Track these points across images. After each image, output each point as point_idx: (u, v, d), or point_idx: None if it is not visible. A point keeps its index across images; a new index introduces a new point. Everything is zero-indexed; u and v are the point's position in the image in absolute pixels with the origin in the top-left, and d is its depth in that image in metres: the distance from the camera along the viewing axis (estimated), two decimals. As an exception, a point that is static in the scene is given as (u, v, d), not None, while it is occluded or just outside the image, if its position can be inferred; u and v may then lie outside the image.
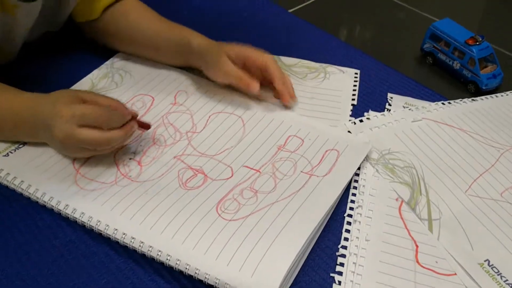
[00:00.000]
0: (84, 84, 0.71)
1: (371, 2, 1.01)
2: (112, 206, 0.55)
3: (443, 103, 0.74)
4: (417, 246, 0.55)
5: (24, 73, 0.73)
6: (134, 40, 0.74)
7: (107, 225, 0.53)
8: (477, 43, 0.79)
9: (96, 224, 0.53)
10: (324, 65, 0.79)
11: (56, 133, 0.56)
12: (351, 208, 0.59)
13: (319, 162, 0.62)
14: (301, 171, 0.60)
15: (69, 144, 0.57)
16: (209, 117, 0.68)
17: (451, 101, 0.74)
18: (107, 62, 0.76)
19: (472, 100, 0.76)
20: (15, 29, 0.67)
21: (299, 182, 0.59)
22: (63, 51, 0.77)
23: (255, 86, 0.68)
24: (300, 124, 0.68)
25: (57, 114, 0.56)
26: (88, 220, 0.53)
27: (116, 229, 0.52)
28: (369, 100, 0.74)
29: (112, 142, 0.58)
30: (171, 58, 0.74)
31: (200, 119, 0.68)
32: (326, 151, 0.63)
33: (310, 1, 1.00)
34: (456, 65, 0.81)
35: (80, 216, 0.54)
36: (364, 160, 0.63)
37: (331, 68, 0.79)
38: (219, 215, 0.55)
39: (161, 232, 0.52)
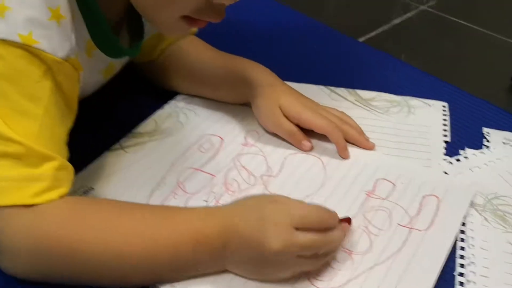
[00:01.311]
0: (148, 125, 0.66)
1: (448, 31, 0.93)
2: None
3: (550, 137, 0.65)
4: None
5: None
6: (193, 77, 0.69)
7: None
8: None
9: None
10: (406, 97, 0.72)
11: (271, 243, 0.44)
12: (462, 265, 0.50)
13: (418, 212, 0.53)
14: (399, 224, 0.52)
15: (288, 254, 0.45)
16: (285, 158, 0.61)
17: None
18: (171, 101, 0.70)
19: None
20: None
21: (398, 238, 0.50)
22: (121, 92, 0.72)
23: (307, 145, 0.62)
24: (388, 165, 0.60)
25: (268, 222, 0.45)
26: None
27: None
28: (463, 136, 0.66)
29: (334, 243, 0.48)
30: (227, 93, 0.68)
31: (276, 161, 0.61)
32: (424, 197, 0.55)
33: (383, 29, 0.93)
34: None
35: None
36: (468, 205, 0.55)
37: (415, 101, 0.71)
38: (312, 283, 0.47)
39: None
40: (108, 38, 0.56)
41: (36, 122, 0.45)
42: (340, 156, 0.61)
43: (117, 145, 0.63)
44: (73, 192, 0.49)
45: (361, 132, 0.64)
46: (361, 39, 0.89)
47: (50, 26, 0.45)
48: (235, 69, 0.67)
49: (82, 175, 0.58)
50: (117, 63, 0.63)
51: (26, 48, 0.44)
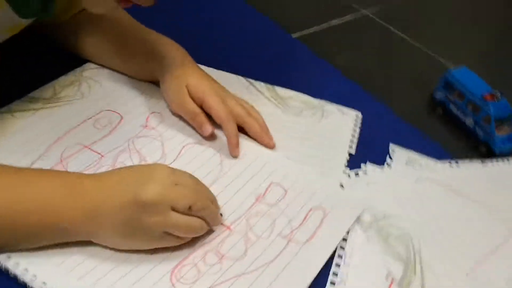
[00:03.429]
0: (45, 90, 0.62)
1: (384, 39, 0.92)
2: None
3: (450, 163, 0.65)
4: None
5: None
6: (103, 44, 0.65)
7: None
8: (496, 100, 0.70)
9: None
10: (322, 102, 0.70)
11: (147, 191, 0.43)
12: (332, 283, 0.49)
13: (301, 223, 0.52)
14: (278, 234, 0.51)
15: (161, 206, 0.44)
16: (183, 147, 0.59)
17: (459, 161, 0.65)
18: (77, 69, 0.66)
19: (483, 162, 0.67)
20: None
21: (274, 248, 0.49)
22: (28, 52, 0.67)
23: (207, 129, 0.59)
24: (285, 169, 0.58)
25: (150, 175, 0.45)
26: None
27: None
28: (368, 150, 0.65)
29: (208, 208, 0.48)
30: (137, 67, 0.66)
31: (172, 149, 0.58)
32: (311, 209, 0.54)
33: (320, 28, 0.91)
34: (469, 120, 0.72)
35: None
36: (354, 221, 0.54)
37: (330, 107, 0.70)
38: (173, 284, 0.45)
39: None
40: None
41: None
42: (229, 152, 0.59)
43: (5, 108, 0.59)
44: None
45: (265, 129, 0.62)
46: (295, 35, 0.87)
47: None
48: (147, 43, 0.63)
49: (-43, 135, 0.54)
50: (25, 22, 0.58)
51: None
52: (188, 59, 0.63)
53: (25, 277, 0.43)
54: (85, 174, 0.48)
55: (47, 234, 0.44)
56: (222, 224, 0.51)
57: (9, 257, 0.44)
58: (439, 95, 0.74)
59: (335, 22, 0.93)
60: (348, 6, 0.98)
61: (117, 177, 0.47)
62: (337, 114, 0.69)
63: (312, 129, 0.66)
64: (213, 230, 0.49)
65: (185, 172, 0.49)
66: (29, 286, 0.43)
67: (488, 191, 0.62)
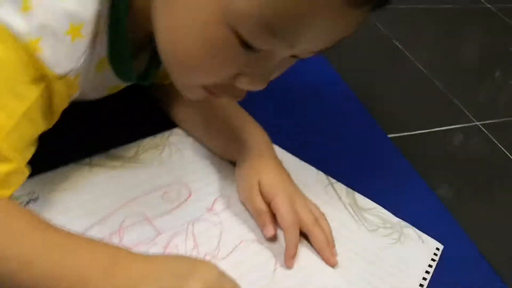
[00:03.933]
0: (128, 149, 0.63)
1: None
2: None
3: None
4: None
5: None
6: (194, 116, 0.66)
7: None
8: None
9: None
10: (403, 223, 0.64)
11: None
12: None
13: None
14: None
15: None
16: (240, 242, 0.57)
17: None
18: (165, 133, 0.67)
19: None
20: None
21: None
22: (123, 105, 0.69)
23: (268, 231, 0.57)
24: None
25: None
26: None
27: None
28: (440, 291, 0.58)
29: None
30: (218, 145, 0.65)
31: (229, 242, 0.56)
32: None
33: (404, 133, 0.86)
34: None
35: None
36: None
37: (410, 231, 0.64)
38: None
39: None
40: (124, 64, 0.53)
41: (12, 120, 0.43)
42: (284, 261, 0.55)
43: (86, 160, 0.61)
44: (17, 196, 0.47)
45: (330, 242, 0.58)
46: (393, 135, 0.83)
47: (62, 40, 0.43)
48: (232, 125, 0.63)
49: (36, 180, 0.56)
50: (126, 83, 0.61)
51: (27, 51, 0.42)
52: (267, 149, 0.61)
53: None
54: (133, 253, 0.47)
55: None
56: None
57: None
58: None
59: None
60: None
61: (164, 265, 0.45)
62: (416, 241, 0.63)
63: (383, 252, 0.60)
64: None
65: (234, 281, 0.46)
66: None
67: None
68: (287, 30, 0.39)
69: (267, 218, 0.57)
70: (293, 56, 0.44)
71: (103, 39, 0.48)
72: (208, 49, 0.42)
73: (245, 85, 0.45)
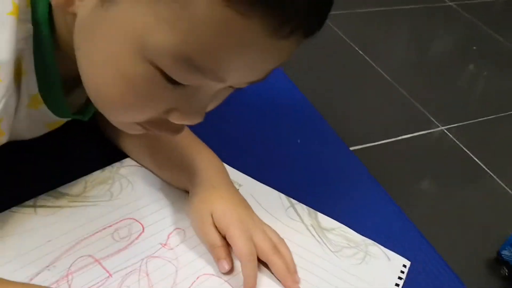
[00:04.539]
0: (75, 186, 0.60)
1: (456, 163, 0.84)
2: None
3: None
4: None
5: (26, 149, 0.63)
6: (142, 146, 0.63)
7: None
8: None
9: None
10: (368, 241, 0.63)
11: None
12: None
13: None
14: None
15: None
16: (198, 278, 0.54)
17: None
18: (115, 164, 0.64)
19: None
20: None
21: None
22: (74, 138, 0.66)
23: (223, 267, 0.54)
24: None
25: None
26: None
27: None
28: (408, 313, 0.57)
29: None
30: (170, 174, 0.63)
31: (185, 278, 0.54)
32: None
33: (383, 141, 0.84)
34: (541, 292, 0.61)
35: None
36: None
37: (375, 249, 0.62)
38: None
39: None
40: (57, 100, 0.50)
41: None
42: None
43: (30, 202, 0.57)
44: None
45: (291, 269, 0.56)
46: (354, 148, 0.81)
47: None
48: (182, 153, 0.60)
49: (-26, 227, 0.53)
50: (65, 119, 0.58)
51: None
52: (220, 178, 0.59)
53: None
54: None
55: None
56: None
57: None
58: (506, 254, 0.64)
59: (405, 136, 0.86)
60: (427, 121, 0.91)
61: None
62: (382, 259, 0.61)
63: (349, 274, 0.58)
64: None
65: None
66: None
67: None
68: (212, 65, 0.36)
69: (222, 252, 0.54)
70: (230, 87, 0.42)
71: (31, 77, 0.46)
72: (129, 86, 0.39)
73: (179, 120, 0.42)
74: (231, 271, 0.55)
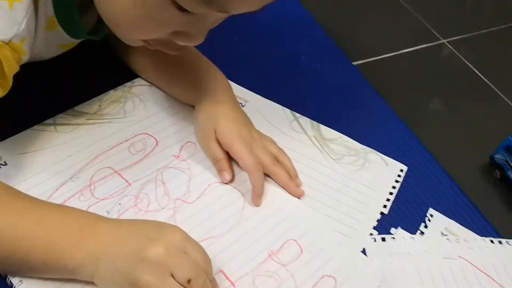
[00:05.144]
0: (90, 105, 0.64)
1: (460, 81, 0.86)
2: None
3: (492, 241, 0.60)
4: None
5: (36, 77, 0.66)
6: (153, 64, 0.66)
7: None
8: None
9: None
10: (367, 149, 0.67)
11: (142, 278, 0.43)
12: None
13: (307, 293, 0.51)
14: (280, 301, 0.50)
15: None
16: (209, 185, 0.59)
17: (503, 241, 0.60)
18: (127, 84, 0.67)
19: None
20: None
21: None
22: (87, 62, 0.69)
23: (225, 177, 0.59)
24: (309, 224, 0.57)
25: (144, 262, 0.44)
26: None
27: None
28: (404, 211, 0.61)
29: None
30: (179, 91, 0.66)
31: (198, 186, 0.58)
32: (322, 277, 0.52)
33: (386, 55, 0.86)
34: (529, 191, 0.66)
35: None
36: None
37: (374, 156, 0.66)
38: None
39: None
40: (73, 21, 0.53)
41: None
42: (252, 200, 0.58)
43: (50, 120, 0.61)
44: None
45: (294, 176, 0.61)
46: (358, 62, 0.83)
47: (0, 7, 0.44)
48: (190, 70, 0.64)
49: (2, 145, 0.57)
50: (78, 40, 0.60)
51: None
52: (225, 95, 0.62)
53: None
54: (102, 217, 0.49)
55: (50, 271, 0.46)
56: (227, 278, 0.51)
57: (21, 282, 0.47)
58: (499, 158, 0.68)
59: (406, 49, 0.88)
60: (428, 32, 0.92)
61: (131, 228, 0.48)
62: (380, 165, 0.65)
63: (349, 179, 0.63)
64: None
65: (197, 244, 0.47)
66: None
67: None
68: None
69: (223, 165, 0.59)
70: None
71: None
72: (144, 11, 0.45)
73: (183, 42, 0.48)
74: (238, 179, 0.59)
